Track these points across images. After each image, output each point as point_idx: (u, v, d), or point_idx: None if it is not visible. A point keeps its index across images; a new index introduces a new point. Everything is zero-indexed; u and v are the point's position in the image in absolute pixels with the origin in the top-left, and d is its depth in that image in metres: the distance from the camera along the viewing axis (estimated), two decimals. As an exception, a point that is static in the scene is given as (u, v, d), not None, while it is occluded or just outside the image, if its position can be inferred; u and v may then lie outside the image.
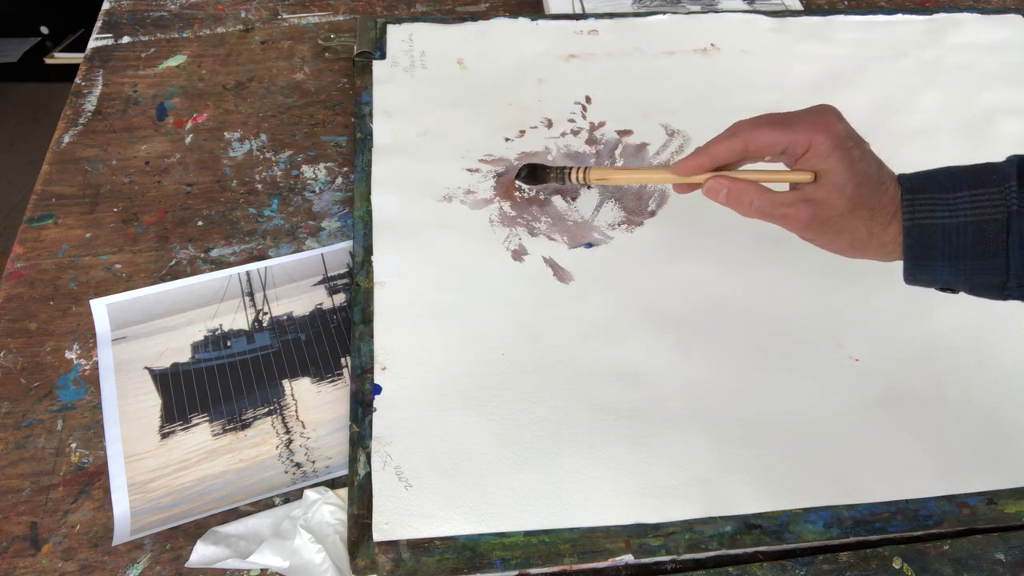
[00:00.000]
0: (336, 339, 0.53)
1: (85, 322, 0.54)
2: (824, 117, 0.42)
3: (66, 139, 0.65)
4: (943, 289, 0.43)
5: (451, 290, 0.54)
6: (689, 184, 0.46)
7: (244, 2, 0.79)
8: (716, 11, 0.78)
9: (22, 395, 0.50)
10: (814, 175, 0.42)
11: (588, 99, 0.69)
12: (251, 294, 0.55)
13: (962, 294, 0.42)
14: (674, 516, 0.45)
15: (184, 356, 0.52)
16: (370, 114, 0.66)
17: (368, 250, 0.56)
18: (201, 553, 0.43)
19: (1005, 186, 0.39)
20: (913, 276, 0.42)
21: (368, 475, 0.45)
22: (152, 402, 0.50)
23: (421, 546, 0.43)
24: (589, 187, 0.53)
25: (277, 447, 0.48)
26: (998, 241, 0.38)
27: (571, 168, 0.50)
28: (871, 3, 0.83)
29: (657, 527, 0.44)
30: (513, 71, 0.71)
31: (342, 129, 0.67)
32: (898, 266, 0.42)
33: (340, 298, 0.56)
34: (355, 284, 0.55)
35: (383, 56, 0.71)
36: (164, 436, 0.48)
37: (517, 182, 0.55)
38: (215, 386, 0.51)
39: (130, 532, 0.44)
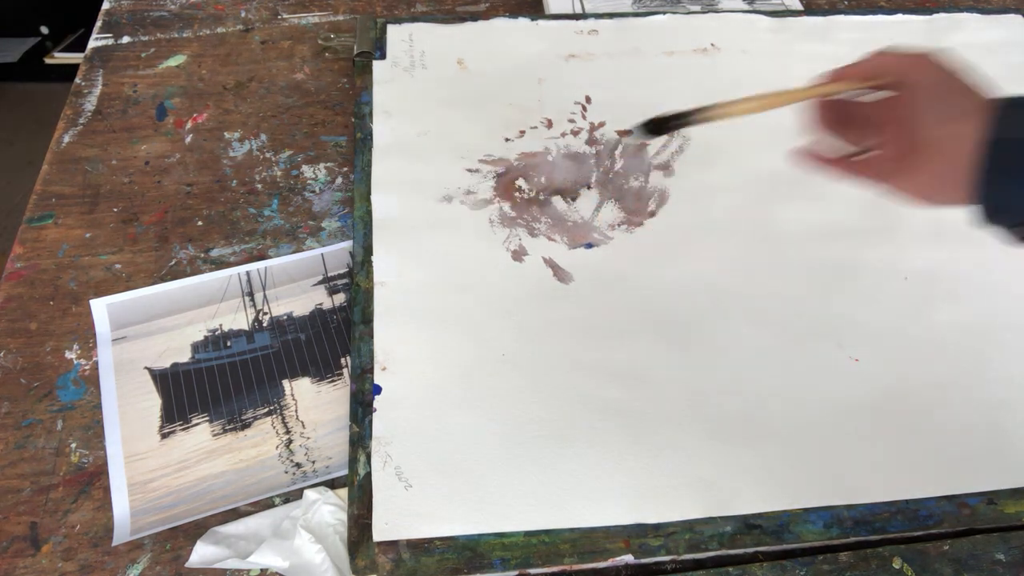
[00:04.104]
0: (336, 339, 0.53)
1: (85, 322, 0.54)
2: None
3: (66, 139, 0.65)
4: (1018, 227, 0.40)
5: (451, 290, 0.54)
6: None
7: (244, 2, 0.79)
8: (716, 11, 0.78)
9: (22, 395, 0.50)
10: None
11: (588, 99, 0.69)
12: (251, 294, 0.56)
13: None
14: (674, 516, 0.45)
15: (184, 356, 0.52)
16: (370, 114, 0.66)
17: (368, 250, 0.56)
18: (201, 553, 0.43)
19: None
20: (991, 201, 0.39)
21: (368, 475, 0.45)
22: (152, 402, 0.50)
23: (421, 546, 0.43)
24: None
25: (277, 447, 0.48)
26: None
27: (693, 111, 0.45)
28: (871, 3, 0.83)
29: (657, 527, 0.44)
30: (513, 71, 0.70)
31: (342, 129, 0.67)
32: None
33: (340, 298, 0.56)
34: (355, 284, 0.55)
35: (383, 56, 0.71)
36: (164, 436, 0.48)
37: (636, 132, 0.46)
38: (215, 386, 0.51)
39: (130, 532, 0.44)
